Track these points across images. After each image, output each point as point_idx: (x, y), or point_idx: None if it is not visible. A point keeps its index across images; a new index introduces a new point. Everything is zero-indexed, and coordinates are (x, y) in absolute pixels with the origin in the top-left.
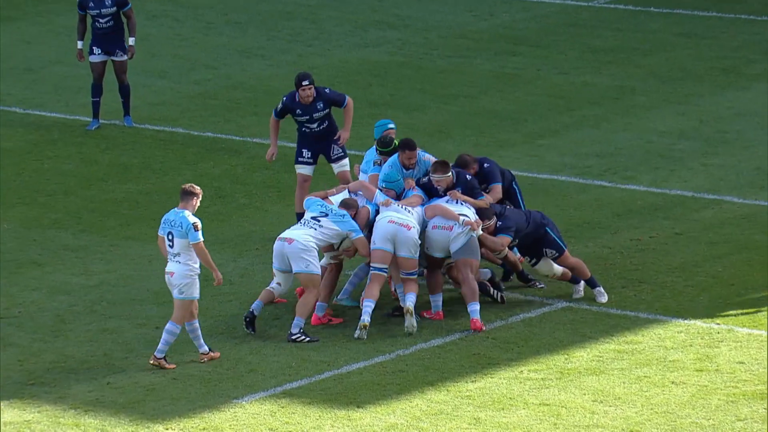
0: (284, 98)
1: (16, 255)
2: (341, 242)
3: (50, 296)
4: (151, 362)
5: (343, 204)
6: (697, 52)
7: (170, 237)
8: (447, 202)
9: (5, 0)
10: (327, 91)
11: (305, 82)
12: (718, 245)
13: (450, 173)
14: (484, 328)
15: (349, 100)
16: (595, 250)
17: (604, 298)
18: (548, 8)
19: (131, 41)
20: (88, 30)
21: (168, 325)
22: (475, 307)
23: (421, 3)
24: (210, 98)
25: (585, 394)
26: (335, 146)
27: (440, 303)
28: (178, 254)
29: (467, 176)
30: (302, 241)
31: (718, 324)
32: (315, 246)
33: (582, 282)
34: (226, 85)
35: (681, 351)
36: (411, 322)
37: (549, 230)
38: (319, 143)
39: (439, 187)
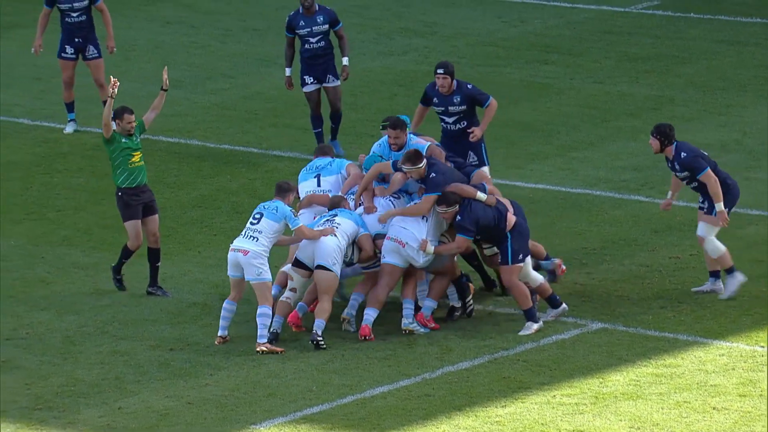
0: (429, 84)
1: (24, 273)
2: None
3: (59, 316)
4: (259, 350)
5: (332, 202)
6: (739, 60)
7: (258, 217)
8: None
9: (13, 6)
10: (469, 86)
11: (439, 70)
12: (762, 264)
13: (420, 165)
14: (425, 324)
15: (492, 101)
16: (631, 269)
17: (527, 332)
18: (582, 14)
19: (345, 61)
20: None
21: (259, 310)
22: (430, 304)
23: (448, 9)
24: (227, 109)
25: (621, 420)
26: (471, 153)
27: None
28: (260, 233)
29: (432, 174)
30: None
31: (762, 347)
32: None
33: (532, 323)
34: (243, 95)
35: (723, 375)
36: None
37: (510, 239)
38: (458, 144)
39: (411, 177)
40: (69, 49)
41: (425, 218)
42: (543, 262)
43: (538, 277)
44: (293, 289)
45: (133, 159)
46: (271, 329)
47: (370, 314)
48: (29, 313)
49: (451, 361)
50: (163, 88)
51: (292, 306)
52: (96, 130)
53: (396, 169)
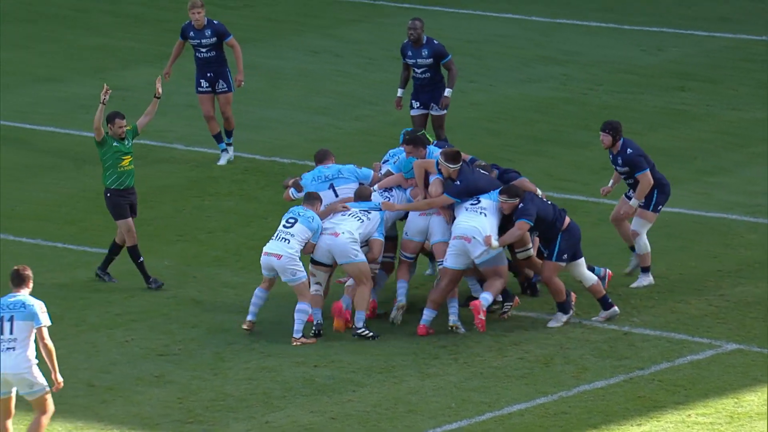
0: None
1: (176, 292)
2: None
3: (209, 334)
4: (295, 344)
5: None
6: None
7: (291, 221)
8: (467, 210)
9: (169, 37)
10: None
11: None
12: None
13: (453, 166)
14: (480, 316)
15: None
16: (767, 291)
17: (555, 324)
18: (719, 43)
19: (447, 92)
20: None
21: (297, 306)
22: (487, 297)
23: (587, 38)
24: (370, 135)
25: None
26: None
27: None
28: (293, 236)
29: (457, 182)
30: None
31: None
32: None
33: (562, 314)
34: (386, 121)
35: None
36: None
37: (561, 237)
38: None
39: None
40: (204, 84)
41: (485, 215)
42: (596, 268)
43: (591, 277)
44: (318, 283)
45: (123, 162)
46: (315, 323)
47: (429, 315)
48: (181, 331)
49: (587, 380)
50: (156, 96)
51: (323, 298)
52: (245, 155)
53: (438, 168)
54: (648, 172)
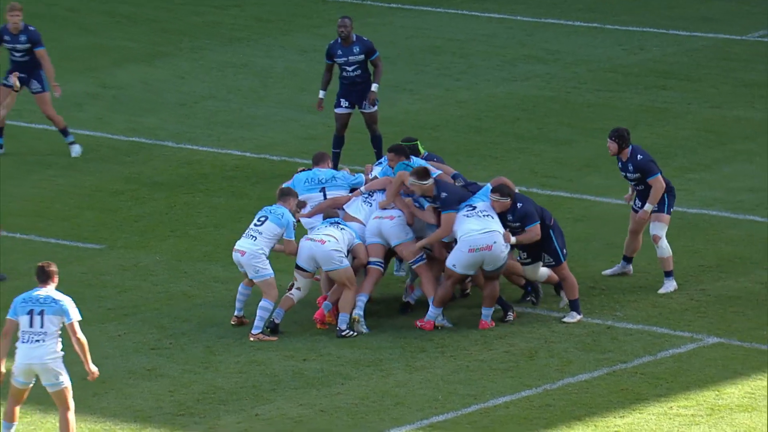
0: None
1: (167, 287)
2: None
3: (200, 328)
4: (252, 339)
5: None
6: None
7: (262, 219)
8: (468, 216)
9: (162, 36)
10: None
11: None
12: None
13: (424, 182)
14: (491, 326)
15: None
16: (747, 286)
17: (571, 320)
18: (699, 42)
19: (374, 87)
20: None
21: (260, 303)
22: (488, 313)
23: (570, 37)
24: (359, 132)
25: (736, 431)
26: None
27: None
28: (261, 233)
29: (443, 194)
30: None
31: None
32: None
33: (576, 313)
34: None
35: None
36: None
37: (553, 234)
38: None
39: (414, 192)
40: (11, 79)
41: (490, 216)
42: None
43: (545, 273)
44: (298, 288)
45: None
46: (271, 319)
47: (434, 312)
48: (173, 325)
49: (571, 372)
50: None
51: (294, 301)
52: (235, 152)
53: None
54: (660, 176)
